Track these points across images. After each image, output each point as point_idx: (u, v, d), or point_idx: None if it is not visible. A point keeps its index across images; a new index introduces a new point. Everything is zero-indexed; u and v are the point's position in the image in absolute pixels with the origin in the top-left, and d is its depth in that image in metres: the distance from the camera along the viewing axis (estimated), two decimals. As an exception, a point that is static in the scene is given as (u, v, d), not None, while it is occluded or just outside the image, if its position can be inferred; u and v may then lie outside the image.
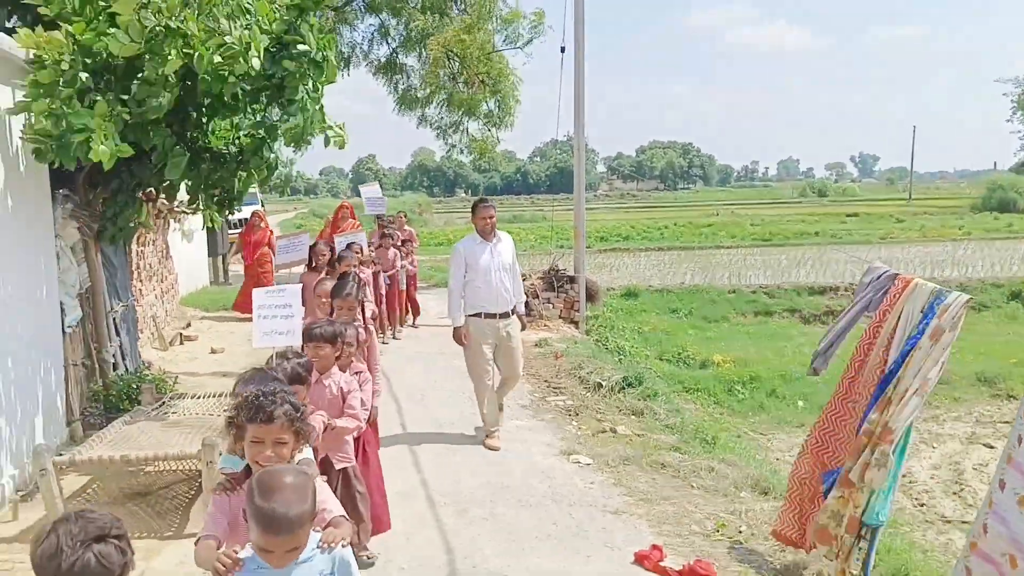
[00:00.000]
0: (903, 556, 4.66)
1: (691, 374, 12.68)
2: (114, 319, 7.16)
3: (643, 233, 34.44)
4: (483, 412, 6.49)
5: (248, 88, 5.96)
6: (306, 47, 5.90)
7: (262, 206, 18.54)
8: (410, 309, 11.66)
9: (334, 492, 3.23)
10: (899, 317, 3.92)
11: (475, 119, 18.46)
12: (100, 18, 5.06)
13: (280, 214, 45.40)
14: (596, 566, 4.38)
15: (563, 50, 11.63)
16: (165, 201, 8.71)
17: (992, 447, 9.61)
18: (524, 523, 4.92)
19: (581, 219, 11.71)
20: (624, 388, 8.15)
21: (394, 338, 10.63)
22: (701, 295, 18.40)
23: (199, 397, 6.37)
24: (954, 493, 8.48)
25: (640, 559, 4.37)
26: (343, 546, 2.25)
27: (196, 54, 5.17)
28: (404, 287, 11.16)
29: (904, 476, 8.24)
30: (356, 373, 4.18)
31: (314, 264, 7.70)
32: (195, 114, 6.31)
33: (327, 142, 6.70)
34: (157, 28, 4.98)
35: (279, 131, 6.56)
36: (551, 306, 11.97)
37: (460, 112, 18.24)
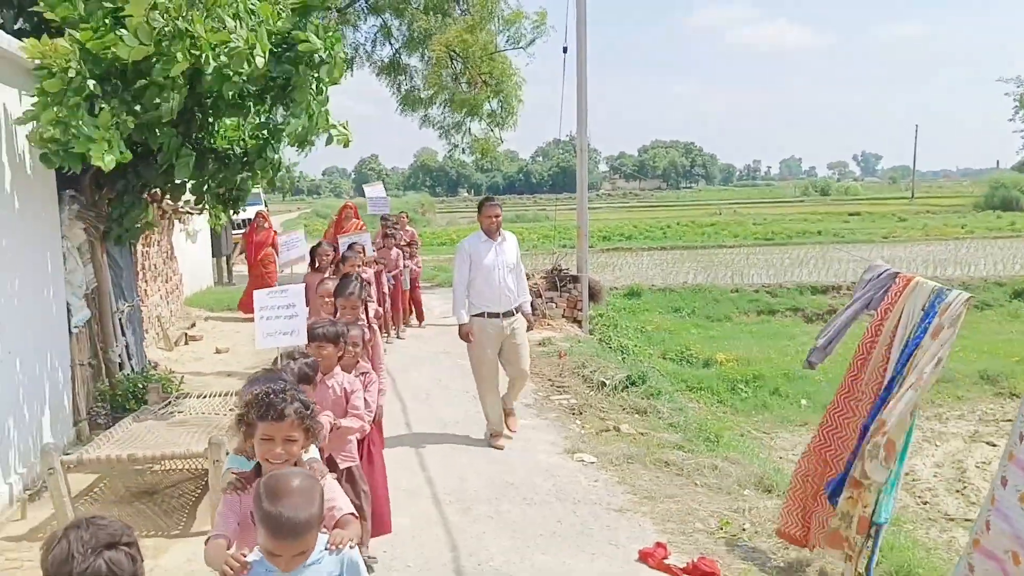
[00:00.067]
0: (906, 554, 4.66)
1: (694, 373, 12.71)
2: (120, 319, 7.21)
3: (646, 232, 34.39)
4: (487, 412, 6.52)
5: (253, 89, 5.99)
6: (311, 45, 5.92)
7: (265, 206, 18.61)
8: (414, 310, 11.68)
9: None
10: (900, 315, 3.94)
11: (478, 119, 18.46)
12: (107, 22, 5.05)
13: (283, 214, 45.40)
14: (600, 564, 4.39)
15: (565, 50, 11.62)
16: (170, 201, 8.74)
17: (995, 445, 9.62)
18: (529, 521, 4.93)
19: (584, 218, 11.73)
20: (627, 387, 8.16)
21: (398, 337, 10.65)
22: (704, 294, 18.43)
23: (205, 396, 6.41)
24: (957, 491, 8.50)
25: (644, 557, 4.39)
26: (351, 547, 2.24)
27: (203, 55, 5.19)
28: (408, 287, 11.20)
29: (907, 474, 8.28)
30: (362, 373, 4.14)
31: (317, 265, 7.72)
32: (200, 115, 6.34)
33: (330, 140, 6.73)
34: (166, 29, 4.99)
35: (283, 133, 6.59)
36: (554, 305, 11.99)
37: (463, 112, 18.24)
